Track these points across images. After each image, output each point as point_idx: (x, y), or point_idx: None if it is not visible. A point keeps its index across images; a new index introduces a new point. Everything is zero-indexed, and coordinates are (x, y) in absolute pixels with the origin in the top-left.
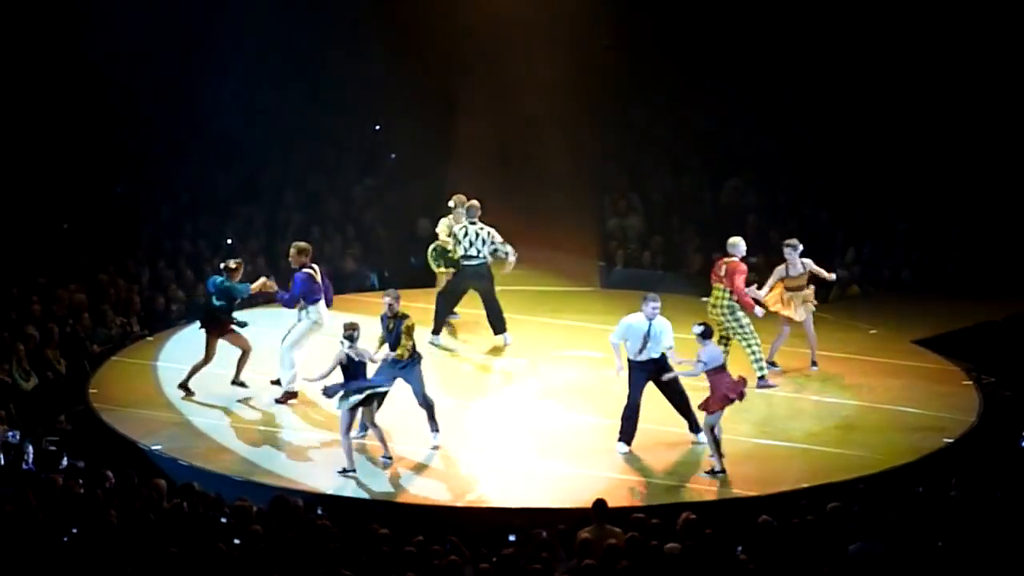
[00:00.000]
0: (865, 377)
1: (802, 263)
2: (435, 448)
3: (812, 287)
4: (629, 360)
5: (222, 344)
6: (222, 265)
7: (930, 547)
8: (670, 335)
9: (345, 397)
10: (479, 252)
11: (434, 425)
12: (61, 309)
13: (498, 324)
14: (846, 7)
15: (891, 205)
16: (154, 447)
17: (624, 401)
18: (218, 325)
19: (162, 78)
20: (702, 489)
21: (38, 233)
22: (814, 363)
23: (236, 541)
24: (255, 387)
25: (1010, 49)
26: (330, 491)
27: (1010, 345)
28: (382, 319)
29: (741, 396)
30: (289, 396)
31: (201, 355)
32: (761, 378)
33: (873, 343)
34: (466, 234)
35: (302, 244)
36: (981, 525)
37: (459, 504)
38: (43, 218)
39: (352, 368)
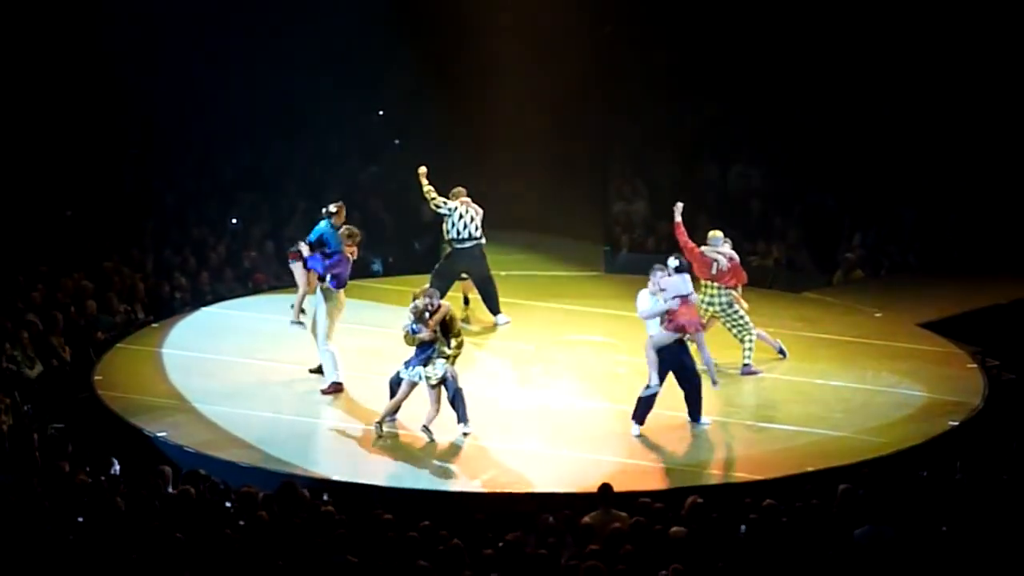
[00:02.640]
0: (870, 360)
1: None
2: (465, 435)
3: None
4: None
5: (238, 329)
6: (324, 210)
7: (936, 530)
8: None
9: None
10: (476, 232)
11: (462, 418)
12: (66, 296)
13: (493, 305)
14: None
15: (897, 190)
16: (159, 434)
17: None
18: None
19: (166, 65)
20: (708, 473)
21: (43, 221)
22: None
23: (241, 523)
24: (263, 373)
25: (1011, 35)
26: (336, 477)
27: (1016, 328)
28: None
29: (696, 330)
30: (336, 387)
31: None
32: (746, 365)
33: (878, 326)
34: (460, 216)
35: (356, 230)
36: (986, 508)
37: (464, 489)
38: (48, 206)
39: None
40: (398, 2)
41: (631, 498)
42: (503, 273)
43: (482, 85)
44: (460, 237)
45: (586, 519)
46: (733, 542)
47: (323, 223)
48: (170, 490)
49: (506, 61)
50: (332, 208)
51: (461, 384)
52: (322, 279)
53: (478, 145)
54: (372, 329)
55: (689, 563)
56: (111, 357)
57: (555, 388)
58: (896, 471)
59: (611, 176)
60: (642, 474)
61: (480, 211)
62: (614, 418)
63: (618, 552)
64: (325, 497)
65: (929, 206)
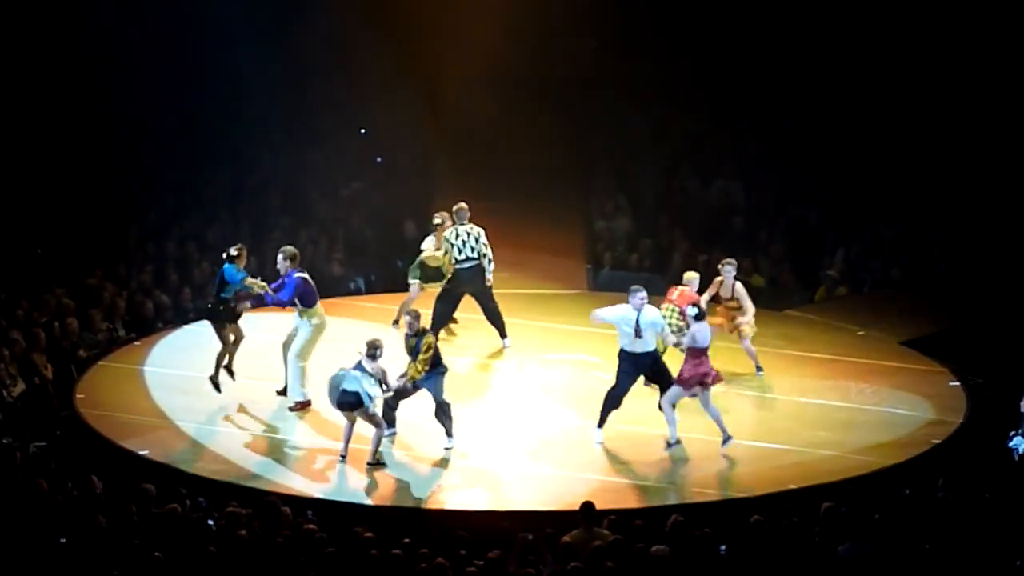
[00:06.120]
0: (853, 378)
1: (734, 287)
2: (448, 449)
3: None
4: (621, 350)
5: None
6: (225, 254)
7: (918, 548)
8: (661, 321)
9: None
10: (473, 252)
11: (448, 432)
12: (47, 314)
13: (500, 326)
14: (834, 9)
15: (880, 205)
16: (141, 452)
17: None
18: (224, 315)
19: (150, 81)
20: (691, 491)
21: (24, 239)
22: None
23: (225, 546)
24: (244, 391)
25: (997, 49)
26: (318, 495)
27: (997, 346)
28: (406, 338)
29: (714, 381)
30: (303, 404)
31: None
32: None
33: (861, 344)
34: (457, 236)
35: (291, 249)
36: (968, 526)
37: (446, 507)
38: (30, 223)
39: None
40: (382, 18)
41: (613, 516)
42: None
43: (465, 101)
44: (460, 258)
45: (567, 537)
46: (715, 560)
47: (226, 266)
48: (152, 509)
49: (489, 77)
50: (233, 251)
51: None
52: (293, 305)
53: (460, 161)
54: (352, 347)
55: None
56: (93, 375)
57: (537, 406)
58: (879, 489)
59: (593, 193)
60: (624, 492)
61: (480, 230)
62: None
63: (599, 570)
64: (309, 514)
65: (913, 221)
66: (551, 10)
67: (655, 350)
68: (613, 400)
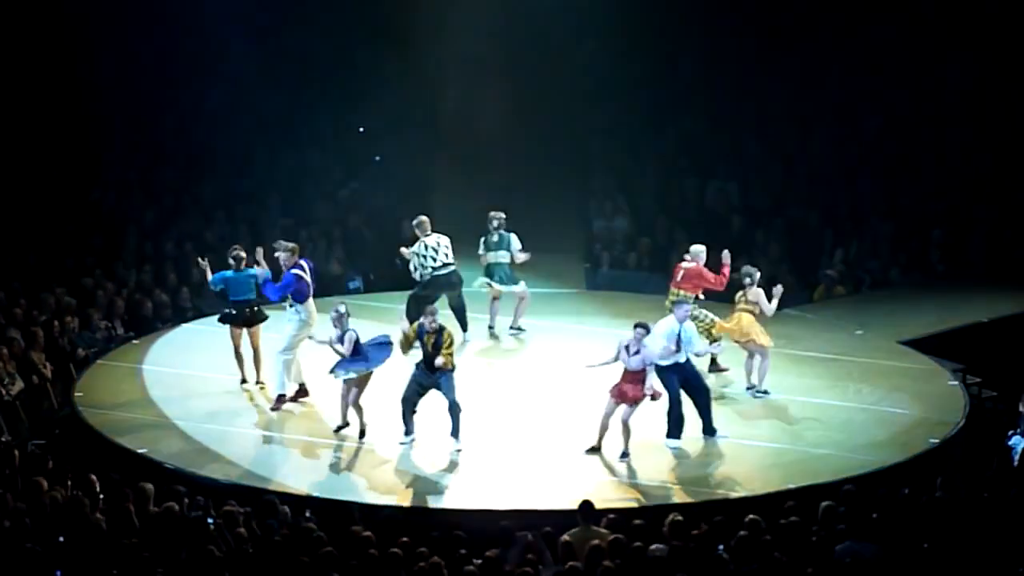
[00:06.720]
0: (851, 378)
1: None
2: (457, 451)
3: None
4: (656, 366)
5: (219, 346)
6: (232, 259)
7: (917, 548)
8: (700, 340)
9: (342, 370)
10: (447, 258)
11: (456, 431)
12: (46, 313)
13: (464, 323)
14: (832, 10)
15: (878, 205)
16: (140, 450)
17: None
18: (251, 316)
19: (148, 81)
20: (690, 491)
21: (22, 238)
22: (750, 388)
23: (223, 544)
24: (243, 391)
25: (994, 49)
26: (316, 494)
27: (996, 346)
28: (420, 332)
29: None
30: (280, 399)
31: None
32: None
33: (859, 344)
34: (426, 247)
35: (291, 244)
36: (967, 525)
37: (444, 506)
38: (28, 223)
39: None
40: (381, 19)
41: (611, 515)
42: (484, 290)
43: (463, 102)
44: (436, 265)
45: (566, 536)
46: (713, 560)
47: (246, 273)
48: (151, 507)
49: (487, 79)
50: (242, 254)
51: (437, 400)
52: (283, 300)
53: (458, 162)
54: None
55: None
56: (92, 374)
57: (535, 405)
58: (877, 488)
59: (592, 193)
60: (623, 491)
61: (447, 238)
62: (595, 435)
63: (598, 569)
64: (307, 513)
65: (911, 221)
66: (551, 10)
67: (688, 360)
68: (674, 404)
